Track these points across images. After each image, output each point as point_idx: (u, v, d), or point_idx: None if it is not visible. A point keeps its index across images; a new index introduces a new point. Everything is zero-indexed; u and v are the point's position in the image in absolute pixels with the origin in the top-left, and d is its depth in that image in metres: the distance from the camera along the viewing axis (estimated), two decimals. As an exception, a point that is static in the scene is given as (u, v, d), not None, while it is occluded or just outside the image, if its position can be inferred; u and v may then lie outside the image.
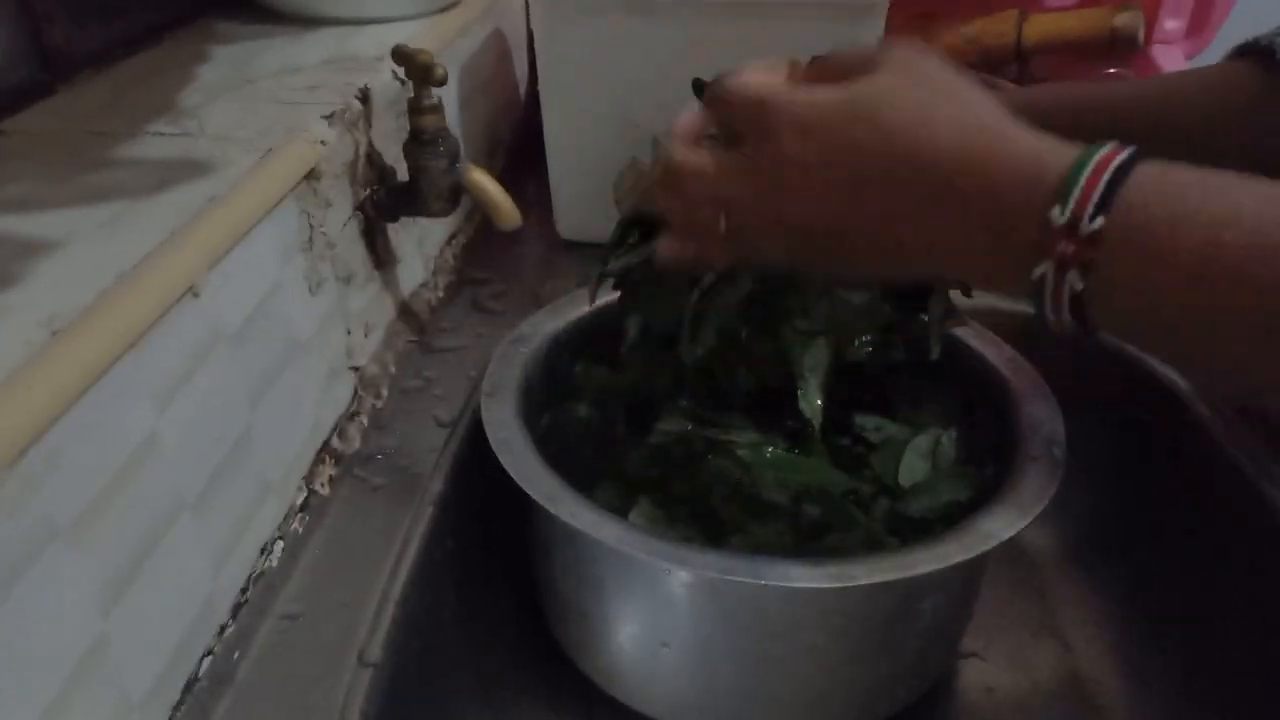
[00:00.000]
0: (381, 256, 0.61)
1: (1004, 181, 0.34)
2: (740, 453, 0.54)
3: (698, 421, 0.55)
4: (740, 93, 0.40)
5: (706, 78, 0.70)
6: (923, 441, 0.53)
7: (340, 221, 0.55)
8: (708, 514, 0.51)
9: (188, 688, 0.42)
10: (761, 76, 0.41)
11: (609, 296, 0.62)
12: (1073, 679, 0.59)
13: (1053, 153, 0.34)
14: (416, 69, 0.55)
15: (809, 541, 0.49)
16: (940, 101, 0.37)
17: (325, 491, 0.53)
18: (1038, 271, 0.33)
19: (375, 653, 0.44)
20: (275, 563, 0.49)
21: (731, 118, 0.41)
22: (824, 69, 0.41)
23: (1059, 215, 0.32)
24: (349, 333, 0.57)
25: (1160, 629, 0.60)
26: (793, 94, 0.39)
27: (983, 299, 0.71)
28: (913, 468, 0.52)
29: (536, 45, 0.73)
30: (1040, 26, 0.93)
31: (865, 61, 0.39)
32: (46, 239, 0.39)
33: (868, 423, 0.56)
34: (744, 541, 0.49)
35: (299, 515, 0.51)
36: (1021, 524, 0.44)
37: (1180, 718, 0.56)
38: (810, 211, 0.38)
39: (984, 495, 0.48)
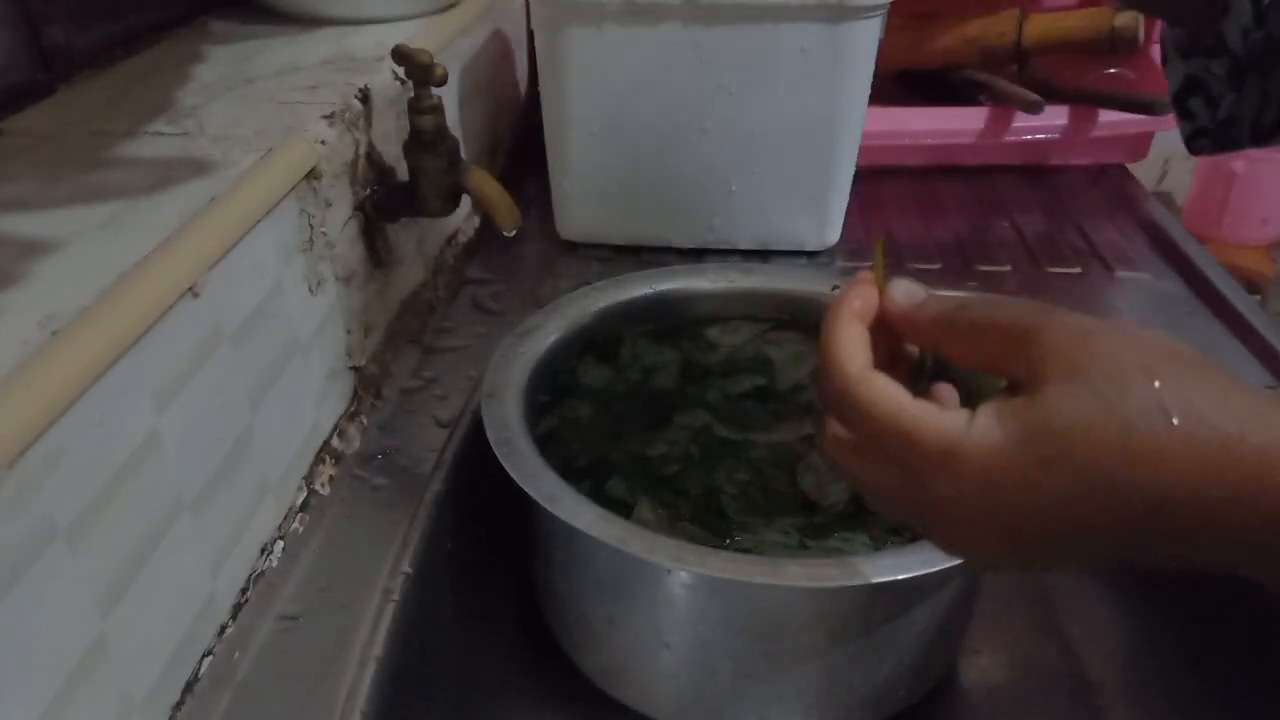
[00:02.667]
0: (381, 256, 0.61)
1: (1268, 512, 0.27)
2: (754, 453, 0.54)
3: (717, 418, 0.56)
4: (863, 406, 0.33)
5: (707, 78, 0.70)
6: None
7: (340, 221, 0.55)
8: (713, 513, 0.51)
9: (188, 688, 0.42)
10: (876, 382, 0.33)
11: (609, 297, 0.63)
12: (1073, 679, 0.59)
13: None
14: (416, 69, 0.55)
15: (814, 541, 0.49)
16: (1151, 412, 0.28)
17: (325, 491, 0.53)
18: None
19: (375, 652, 0.44)
20: (275, 563, 0.49)
21: (867, 435, 0.34)
22: (949, 336, 0.34)
23: None
24: (349, 333, 0.57)
25: (1160, 629, 0.60)
26: (940, 429, 0.31)
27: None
28: None
29: (536, 45, 0.73)
30: (1040, 26, 0.93)
31: (1011, 351, 0.31)
32: (46, 239, 0.39)
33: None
34: (750, 542, 0.49)
35: (299, 515, 0.51)
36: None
37: (1180, 718, 0.56)
38: (992, 552, 0.32)
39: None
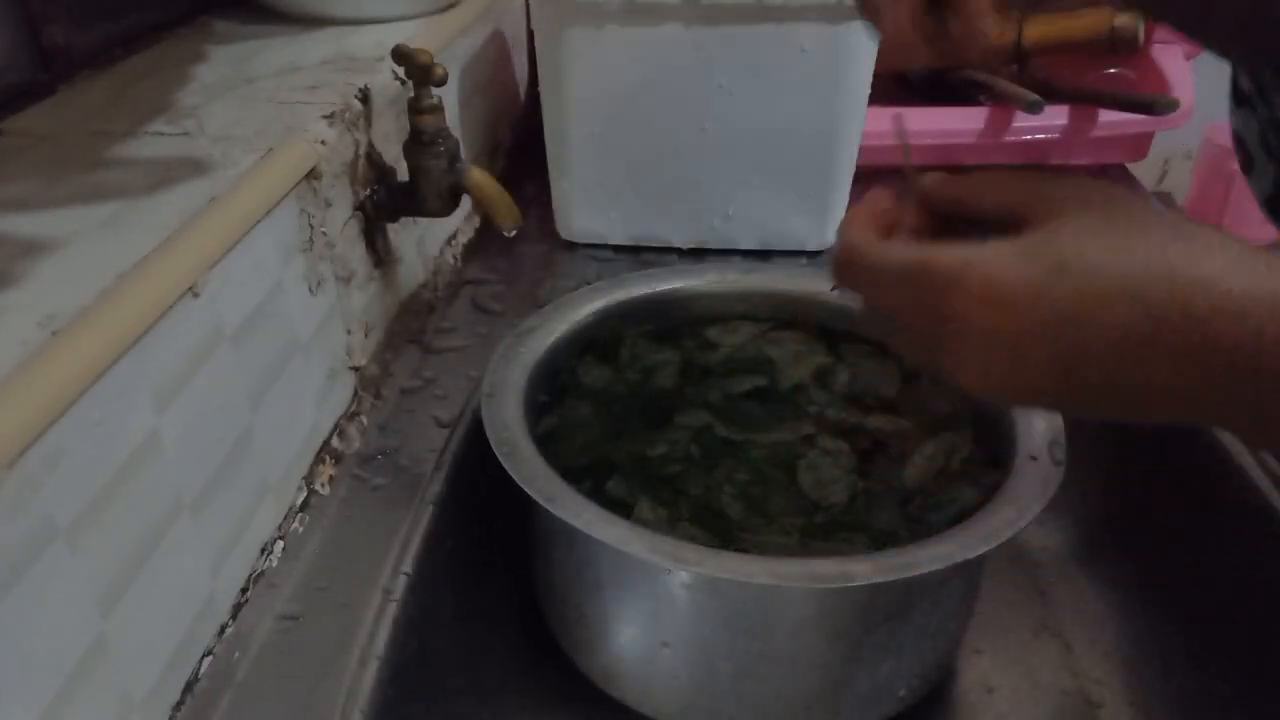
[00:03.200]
0: (381, 256, 0.61)
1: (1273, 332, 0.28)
2: (754, 453, 0.54)
3: (717, 418, 0.56)
4: (883, 264, 0.35)
5: (707, 78, 0.70)
6: (931, 444, 0.53)
7: (340, 221, 0.55)
8: (713, 513, 0.51)
9: (188, 688, 0.42)
10: (884, 244, 0.35)
11: (609, 297, 0.63)
12: (1073, 679, 0.59)
13: None
14: (416, 69, 0.55)
15: (814, 541, 0.49)
16: (1162, 234, 0.30)
17: (325, 491, 0.53)
18: None
19: (375, 652, 0.44)
20: (275, 563, 0.49)
21: (880, 292, 0.36)
22: (946, 207, 0.36)
23: None
24: (349, 333, 0.57)
25: (1160, 629, 0.60)
26: (948, 252, 0.33)
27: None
28: (921, 470, 0.52)
29: (536, 45, 0.73)
30: (1040, 26, 0.93)
31: (1027, 194, 0.33)
32: (46, 239, 0.39)
33: (877, 424, 0.56)
34: (750, 542, 0.49)
35: (299, 515, 0.51)
36: (1022, 524, 0.44)
37: (1180, 718, 0.56)
38: (995, 376, 0.33)
39: (984, 495, 0.48)
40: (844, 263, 0.37)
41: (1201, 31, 0.45)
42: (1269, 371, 0.28)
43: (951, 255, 0.33)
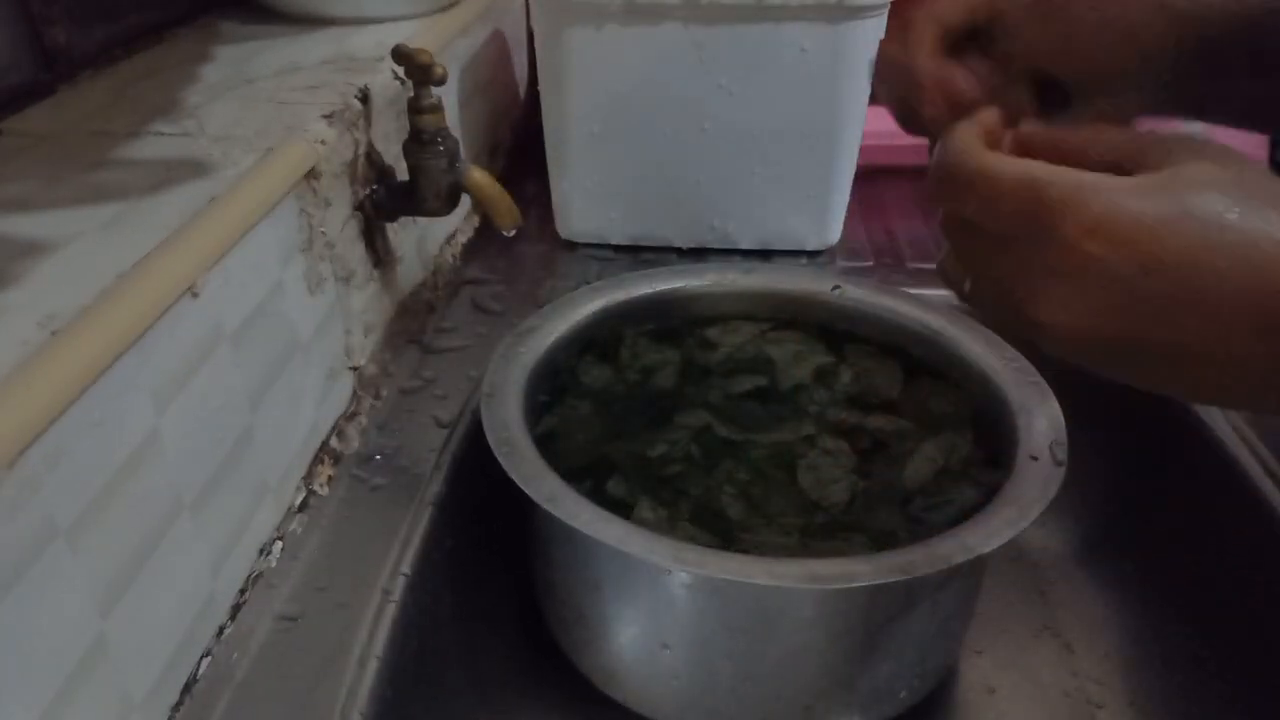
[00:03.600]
0: (381, 256, 0.61)
1: None
2: (754, 453, 0.54)
3: (717, 418, 0.56)
4: (995, 174, 0.32)
5: (707, 78, 0.70)
6: (932, 444, 0.53)
7: (340, 221, 0.55)
8: (713, 514, 0.51)
9: (187, 688, 0.42)
10: (1001, 157, 0.33)
11: (609, 297, 0.63)
12: (1073, 679, 0.59)
13: None
14: (416, 69, 0.55)
15: (814, 541, 0.49)
16: (1268, 188, 0.29)
17: (324, 492, 0.53)
18: None
19: (375, 652, 0.44)
20: (275, 563, 0.49)
21: (985, 206, 0.33)
22: (1061, 141, 0.34)
23: None
24: (349, 333, 0.57)
25: (1161, 629, 0.60)
26: (1071, 173, 0.31)
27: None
28: (921, 470, 0.52)
29: (536, 45, 0.73)
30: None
31: (1142, 144, 0.32)
32: (46, 239, 0.39)
33: (877, 424, 0.56)
34: (750, 542, 0.49)
35: (298, 515, 0.51)
36: (1022, 524, 0.44)
37: (1180, 718, 0.56)
38: (1082, 314, 0.31)
39: (984, 495, 0.48)
40: (948, 170, 0.34)
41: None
42: None
43: (1069, 177, 0.31)
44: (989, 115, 0.36)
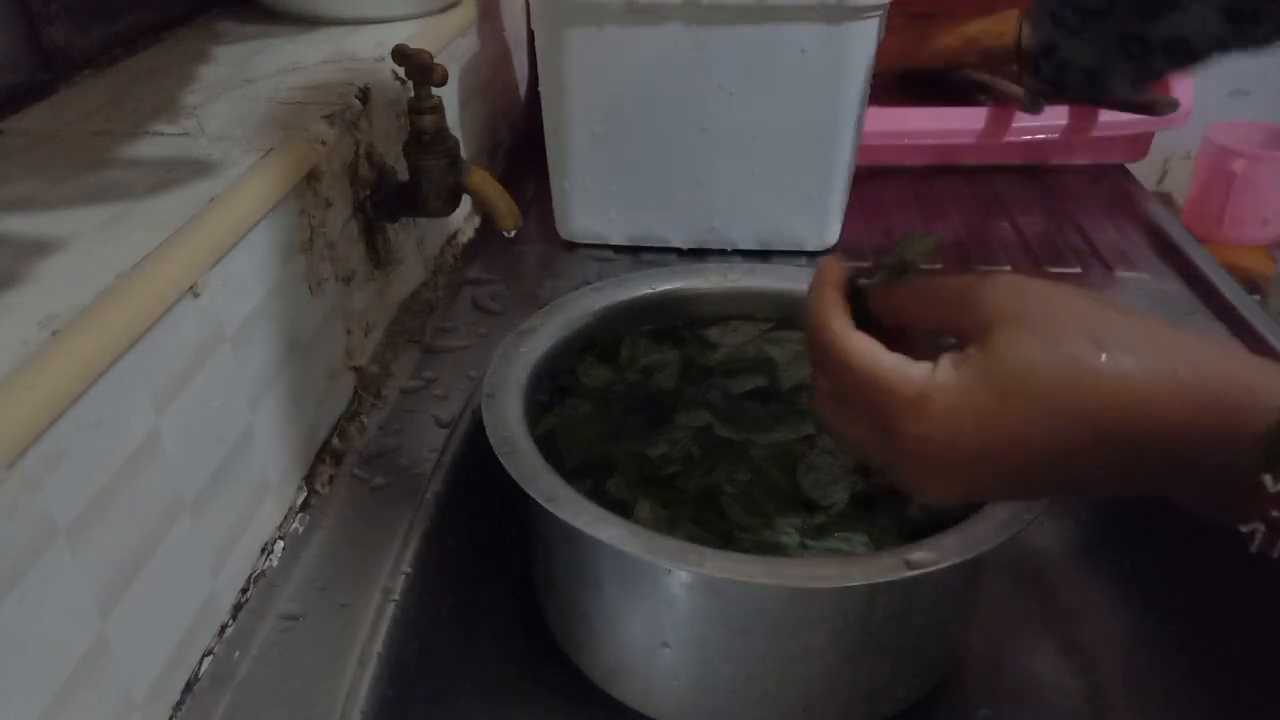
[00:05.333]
0: (381, 256, 0.61)
1: (1202, 435, 0.30)
2: (755, 453, 0.54)
3: (718, 418, 0.56)
4: (843, 360, 0.37)
5: (707, 78, 0.70)
6: None
7: (340, 221, 0.55)
8: (713, 513, 0.51)
9: (188, 687, 0.42)
10: (854, 339, 0.37)
11: (609, 297, 0.63)
12: (1073, 679, 0.59)
13: (1253, 392, 0.30)
14: (416, 69, 0.55)
15: (814, 541, 0.49)
16: (1086, 346, 0.32)
17: (325, 491, 0.53)
18: (1248, 528, 0.31)
19: (375, 652, 0.44)
20: (275, 563, 0.49)
21: (849, 386, 0.37)
22: (900, 307, 0.38)
23: (1271, 484, 0.29)
24: (349, 333, 0.57)
25: (1162, 629, 0.60)
26: (908, 377, 0.35)
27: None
28: None
29: (537, 45, 0.73)
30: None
31: (959, 310, 0.35)
32: (46, 239, 0.39)
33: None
34: (750, 542, 0.49)
35: (299, 515, 0.51)
36: (1021, 524, 0.44)
37: (1180, 718, 0.56)
38: (949, 488, 0.36)
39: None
40: (820, 353, 0.38)
41: None
42: (1202, 458, 0.31)
43: (909, 381, 0.35)
44: (836, 266, 0.40)
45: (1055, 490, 0.35)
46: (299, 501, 0.51)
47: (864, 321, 0.39)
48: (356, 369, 0.58)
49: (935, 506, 0.39)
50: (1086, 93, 0.71)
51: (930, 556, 0.42)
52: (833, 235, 0.78)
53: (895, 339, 0.37)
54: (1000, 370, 0.33)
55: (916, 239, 0.40)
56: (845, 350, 0.37)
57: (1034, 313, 0.33)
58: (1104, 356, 0.32)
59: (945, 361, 0.34)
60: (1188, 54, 0.57)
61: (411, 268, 0.68)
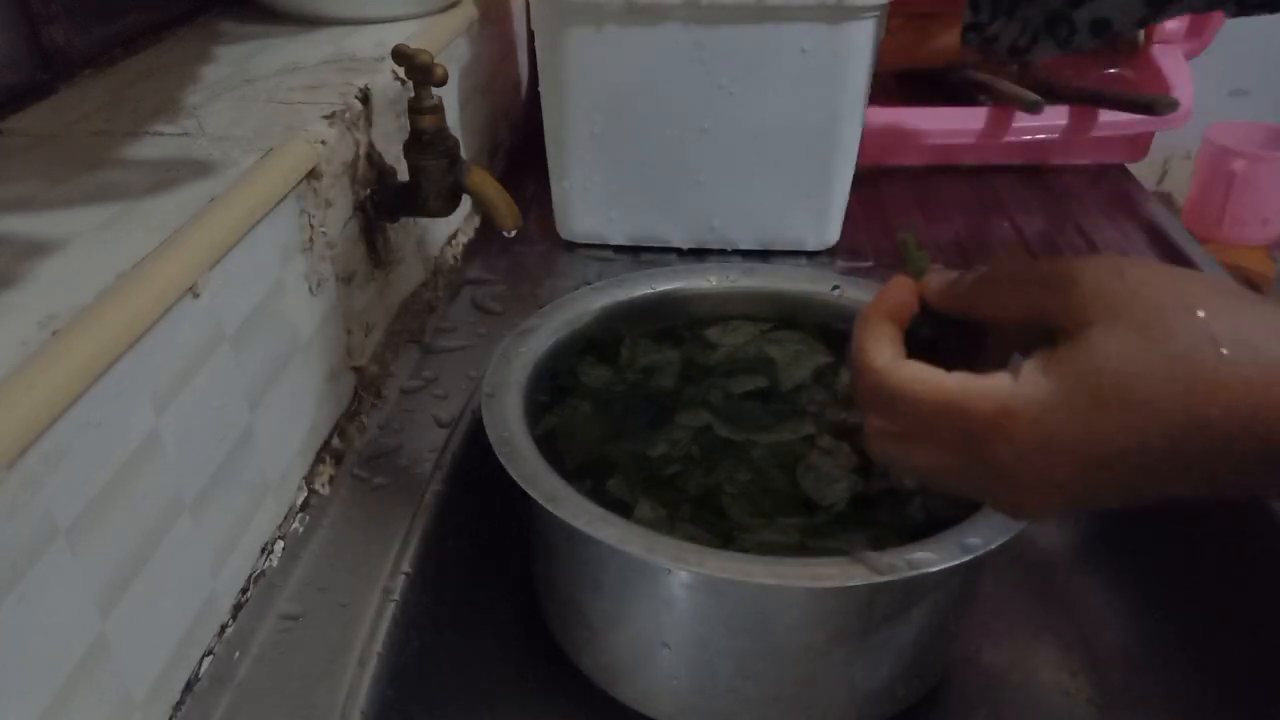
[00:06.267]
0: (381, 256, 0.61)
1: None
2: (755, 453, 0.54)
3: (718, 418, 0.56)
4: (899, 393, 0.33)
5: (707, 78, 0.70)
6: None
7: (340, 221, 0.55)
8: (713, 513, 0.51)
9: (188, 687, 0.42)
10: (907, 369, 0.33)
11: (609, 297, 0.63)
12: (1073, 679, 0.59)
13: None
14: (416, 69, 0.55)
15: (814, 541, 0.49)
16: (1200, 342, 0.28)
17: (325, 491, 0.53)
18: None
19: (375, 652, 0.44)
20: (275, 563, 0.49)
21: (914, 419, 0.34)
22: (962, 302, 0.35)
23: None
24: (349, 333, 0.57)
25: (1162, 629, 0.60)
26: (986, 393, 0.31)
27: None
28: None
29: (537, 45, 0.73)
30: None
31: (1050, 297, 0.31)
32: (46, 239, 0.39)
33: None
34: (750, 542, 0.49)
35: (299, 515, 0.51)
36: (1021, 524, 0.44)
37: (1180, 718, 0.56)
38: (1049, 502, 0.33)
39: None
40: (866, 389, 0.35)
41: None
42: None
43: (988, 399, 0.31)
44: (895, 292, 0.37)
45: (1166, 494, 0.31)
46: (299, 501, 0.51)
47: (925, 345, 0.35)
48: (356, 369, 0.58)
49: (1038, 523, 0.35)
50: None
51: (930, 556, 0.42)
52: (833, 235, 0.78)
53: (964, 353, 0.34)
54: (1100, 376, 0.29)
55: (915, 253, 0.38)
56: (900, 383, 0.33)
57: (1139, 303, 0.29)
58: (1224, 352, 0.28)
59: (1031, 368, 0.31)
60: (1109, 32, 0.58)
61: (411, 268, 0.68)
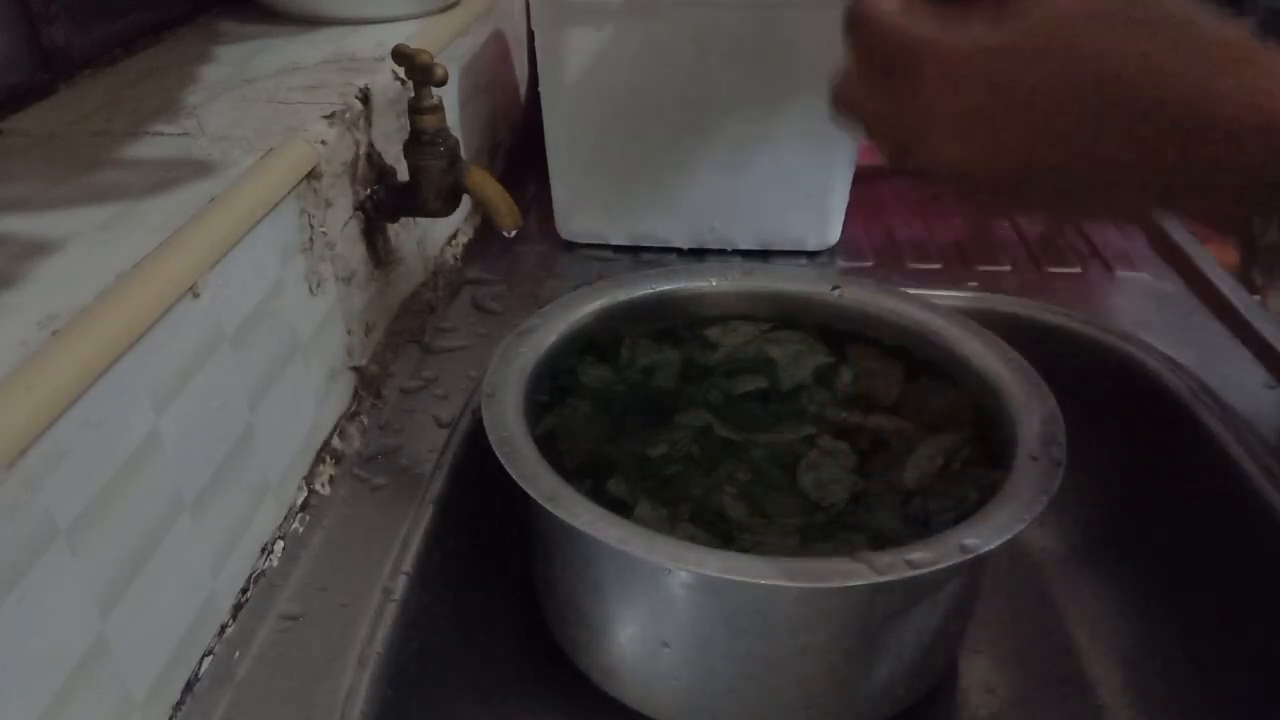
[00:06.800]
0: (381, 256, 0.61)
1: (1250, 119, 0.28)
2: (755, 453, 0.54)
3: (718, 418, 0.56)
4: (880, 27, 0.35)
5: (707, 77, 0.70)
6: (932, 444, 0.53)
7: (340, 221, 0.55)
8: (713, 513, 0.51)
9: (188, 687, 0.42)
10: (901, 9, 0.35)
11: (609, 297, 0.63)
12: (1073, 679, 0.59)
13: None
14: (416, 69, 0.55)
15: (814, 541, 0.49)
16: (1144, 13, 0.30)
17: (325, 491, 0.53)
18: (1264, 234, 0.29)
19: (375, 653, 0.44)
20: (275, 563, 0.49)
21: (876, 50, 0.36)
22: None
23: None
24: (349, 333, 0.57)
25: (1161, 629, 0.60)
26: (946, 38, 0.33)
27: (982, 301, 0.71)
28: (921, 470, 0.52)
29: (537, 45, 0.73)
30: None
31: None
32: (46, 239, 0.39)
33: (877, 424, 0.56)
34: (750, 542, 0.49)
35: (299, 515, 0.51)
36: (1021, 524, 0.44)
37: (1180, 718, 0.56)
38: (971, 147, 0.33)
39: (984, 495, 0.48)
40: (863, 32, 0.36)
41: None
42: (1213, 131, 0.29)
43: (932, 20, 0.33)
44: None
45: (1054, 171, 0.32)
46: (299, 501, 0.51)
47: None
48: (356, 369, 0.58)
49: (925, 172, 0.36)
50: None
51: (930, 556, 0.42)
52: (833, 235, 0.78)
53: None
54: (1039, 28, 0.31)
55: None
56: (888, 20, 0.35)
57: None
58: (1155, 24, 0.30)
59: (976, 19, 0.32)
60: None
61: (411, 268, 0.68)
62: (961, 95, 0.33)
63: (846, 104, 0.39)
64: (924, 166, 0.36)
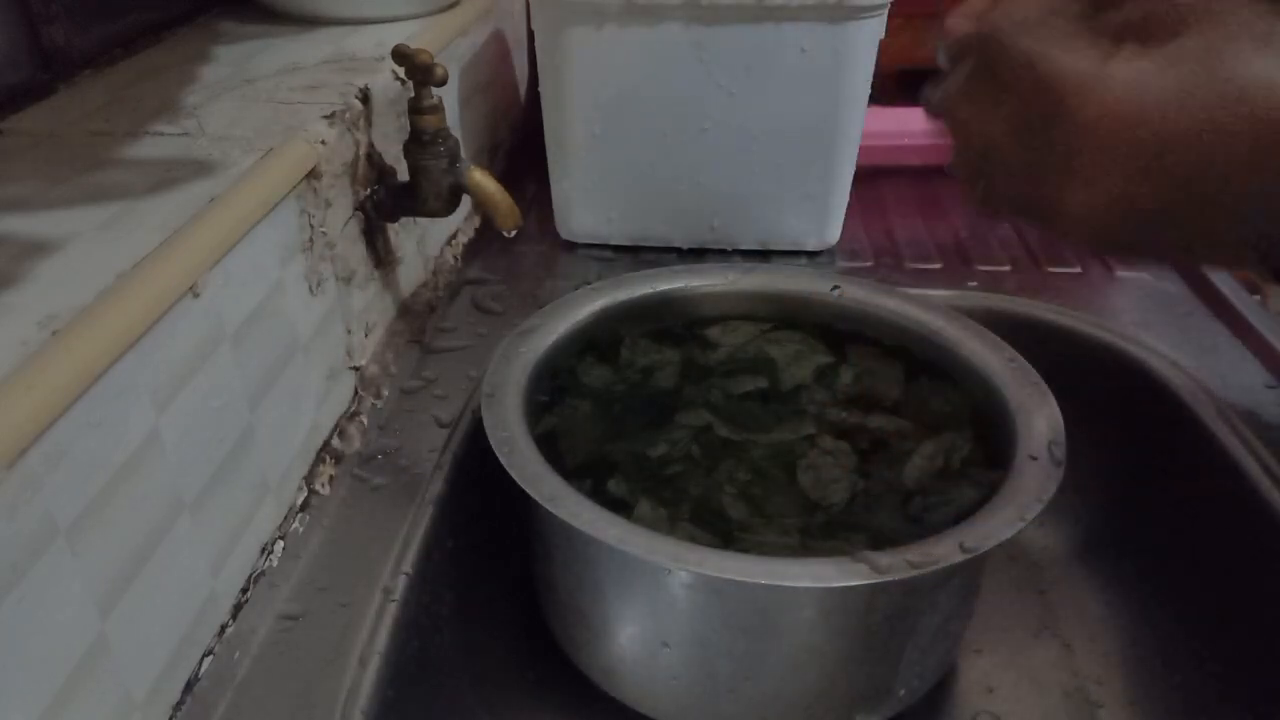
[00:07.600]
0: (381, 256, 0.61)
1: None
2: (755, 453, 0.54)
3: (718, 418, 0.56)
4: (1019, 55, 0.31)
5: (707, 78, 0.70)
6: (932, 444, 0.53)
7: (340, 221, 0.55)
8: (713, 513, 0.51)
9: (188, 687, 0.42)
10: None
11: (609, 297, 0.63)
12: (1073, 679, 0.59)
13: None
14: (416, 69, 0.55)
15: (814, 541, 0.49)
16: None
17: (325, 491, 0.53)
18: None
19: (375, 652, 0.44)
20: (275, 563, 0.49)
21: (1007, 79, 0.31)
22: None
23: None
24: (349, 333, 0.57)
25: (1160, 629, 0.60)
26: (1102, 77, 0.29)
27: (982, 301, 0.71)
28: (921, 470, 0.52)
29: (537, 45, 0.73)
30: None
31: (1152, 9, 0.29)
32: (46, 239, 0.39)
33: (877, 424, 0.56)
34: (750, 542, 0.49)
35: (299, 515, 0.51)
36: (1021, 524, 0.44)
37: (1180, 718, 0.56)
38: (1092, 192, 0.30)
39: (984, 495, 0.48)
40: (983, 36, 0.32)
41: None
42: None
43: (1088, 51, 0.29)
44: None
45: (1193, 221, 0.29)
46: (299, 501, 0.51)
47: None
48: (356, 369, 0.58)
49: (1030, 213, 0.32)
50: None
51: (930, 556, 0.42)
52: (833, 235, 0.78)
53: None
54: (1199, 57, 0.27)
55: None
56: (1011, 35, 0.31)
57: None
58: None
59: (1128, 49, 0.29)
60: None
61: (411, 268, 0.68)
62: (1111, 143, 0.29)
63: (950, 120, 0.35)
64: (1037, 210, 0.32)
